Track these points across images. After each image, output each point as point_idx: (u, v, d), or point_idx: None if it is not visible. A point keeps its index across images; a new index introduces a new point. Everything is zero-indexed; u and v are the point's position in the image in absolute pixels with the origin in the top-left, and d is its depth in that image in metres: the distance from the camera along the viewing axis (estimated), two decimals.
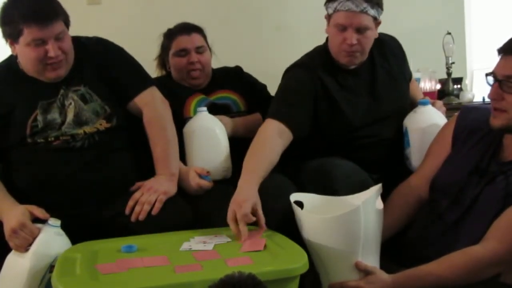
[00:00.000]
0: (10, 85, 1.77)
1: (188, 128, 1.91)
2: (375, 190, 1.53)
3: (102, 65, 1.82)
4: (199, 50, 2.14)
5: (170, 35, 2.19)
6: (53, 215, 1.57)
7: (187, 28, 2.18)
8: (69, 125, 1.73)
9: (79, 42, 1.82)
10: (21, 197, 1.66)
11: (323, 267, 1.52)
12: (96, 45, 1.86)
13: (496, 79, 1.50)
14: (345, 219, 1.46)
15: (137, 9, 3.00)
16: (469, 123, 1.67)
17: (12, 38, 1.70)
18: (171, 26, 2.26)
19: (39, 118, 1.72)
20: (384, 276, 1.47)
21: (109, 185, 1.73)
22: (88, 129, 1.74)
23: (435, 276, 1.43)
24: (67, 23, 1.74)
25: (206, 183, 1.78)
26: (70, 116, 1.74)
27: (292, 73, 1.96)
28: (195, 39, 2.15)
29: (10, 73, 1.79)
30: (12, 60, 1.80)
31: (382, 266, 1.52)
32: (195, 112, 2.02)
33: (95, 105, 1.77)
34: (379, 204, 1.53)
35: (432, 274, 1.43)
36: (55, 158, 1.71)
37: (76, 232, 1.57)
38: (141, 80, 1.90)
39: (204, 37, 2.21)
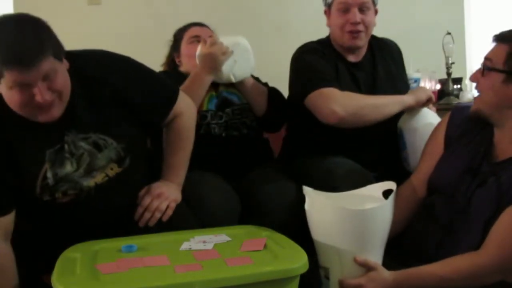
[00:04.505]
0: (7, 128, 1.49)
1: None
2: (392, 186, 1.55)
3: (119, 92, 1.57)
4: None
5: (183, 28, 2.23)
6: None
7: (199, 23, 2.24)
8: (80, 174, 1.55)
9: (86, 76, 1.55)
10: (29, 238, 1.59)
11: (338, 261, 1.50)
12: (107, 68, 1.58)
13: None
14: (374, 213, 1.47)
15: (137, 9, 3.00)
16: (461, 122, 1.67)
17: None
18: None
19: (49, 174, 1.51)
20: (385, 273, 1.46)
21: (118, 220, 1.62)
22: (99, 178, 1.57)
23: (438, 277, 1.43)
24: (58, 56, 1.44)
25: (212, 39, 1.97)
26: (83, 166, 1.55)
27: (309, 49, 2.04)
28: (207, 30, 2.21)
29: (3, 112, 1.47)
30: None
31: (384, 264, 1.51)
32: (208, 107, 2.04)
33: (109, 150, 1.57)
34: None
35: (435, 276, 1.43)
36: (61, 208, 1.56)
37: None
38: (168, 94, 1.72)
39: None
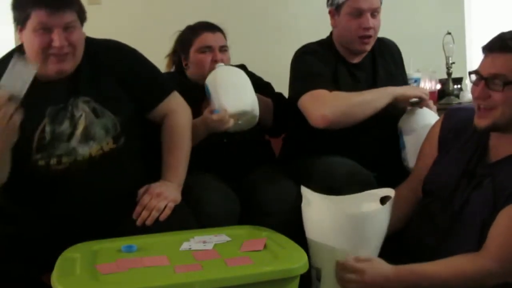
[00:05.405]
0: None
1: (213, 75, 1.93)
2: (390, 192, 1.56)
3: (121, 73, 1.72)
4: (222, 49, 2.11)
5: (194, 31, 2.14)
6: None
7: (211, 26, 2.15)
8: (76, 139, 1.63)
9: (94, 47, 1.72)
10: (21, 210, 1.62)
11: (331, 263, 1.49)
12: (114, 51, 1.76)
13: (482, 78, 1.48)
14: (370, 217, 1.48)
15: (137, 9, 3.00)
16: (455, 124, 1.67)
17: (19, 23, 1.60)
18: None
19: (47, 128, 1.61)
20: (386, 265, 1.45)
21: (111, 205, 1.64)
22: (94, 150, 1.64)
23: (441, 278, 1.42)
24: (81, 17, 1.65)
25: (219, 114, 1.82)
26: (80, 128, 1.63)
27: (309, 50, 2.03)
28: (219, 37, 2.13)
29: None
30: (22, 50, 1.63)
31: None
32: None
33: (107, 120, 1.66)
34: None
35: (438, 276, 1.43)
36: (54, 182, 1.62)
37: (78, 235, 1.55)
38: (164, 86, 1.82)
39: (225, 38, 2.17)
